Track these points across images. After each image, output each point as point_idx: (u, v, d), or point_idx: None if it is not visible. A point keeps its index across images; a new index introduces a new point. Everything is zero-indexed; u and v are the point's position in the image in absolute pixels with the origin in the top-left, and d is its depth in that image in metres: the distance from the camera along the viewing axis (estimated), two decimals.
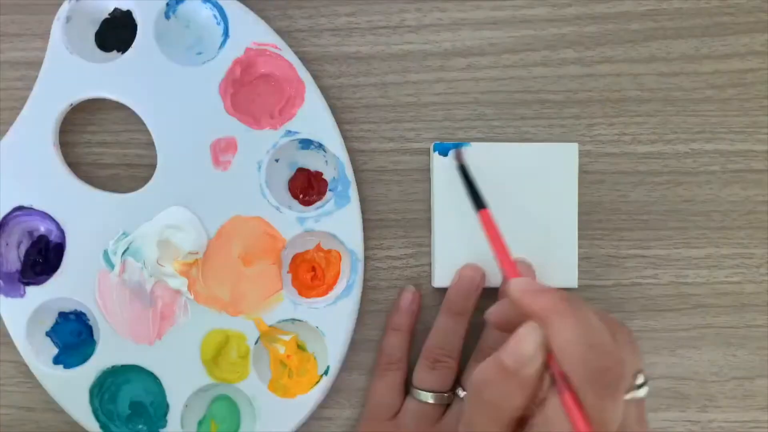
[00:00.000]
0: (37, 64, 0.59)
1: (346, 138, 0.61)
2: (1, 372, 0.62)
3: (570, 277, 0.58)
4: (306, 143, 0.60)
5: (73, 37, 0.59)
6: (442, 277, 0.59)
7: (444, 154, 0.58)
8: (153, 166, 0.59)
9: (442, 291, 0.59)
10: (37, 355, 0.59)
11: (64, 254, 0.59)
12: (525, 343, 0.44)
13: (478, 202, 0.55)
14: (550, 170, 0.58)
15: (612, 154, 0.61)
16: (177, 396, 0.59)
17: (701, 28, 0.61)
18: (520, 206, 0.58)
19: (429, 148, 0.60)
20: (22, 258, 0.60)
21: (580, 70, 0.61)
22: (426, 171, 0.61)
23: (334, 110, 0.61)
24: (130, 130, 0.62)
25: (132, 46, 0.59)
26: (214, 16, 0.60)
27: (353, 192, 0.60)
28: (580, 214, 0.59)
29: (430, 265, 0.61)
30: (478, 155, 0.58)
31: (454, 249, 0.58)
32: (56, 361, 0.60)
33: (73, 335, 0.60)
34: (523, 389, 0.44)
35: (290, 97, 0.60)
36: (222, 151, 0.59)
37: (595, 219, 0.61)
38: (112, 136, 0.62)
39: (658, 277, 0.61)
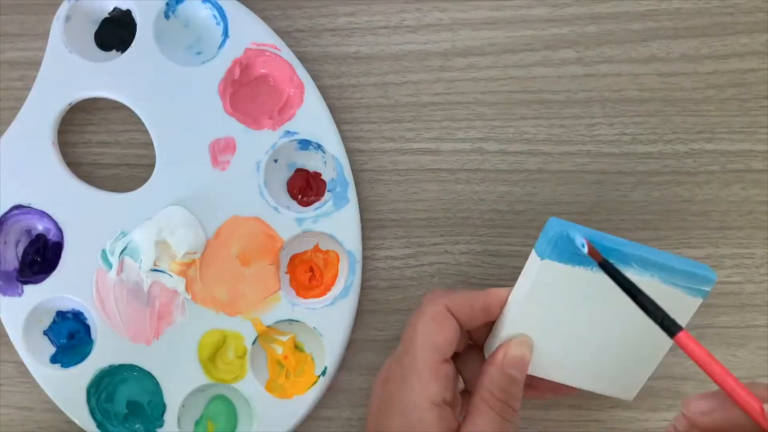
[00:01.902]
0: (37, 64, 0.59)
1: (345, 138, 0.61)
2: (0, 372, 0.62)
3: (629, 392, 0.54)
4: (305, 144, 0.60)
5: (72, 36, 0.59)
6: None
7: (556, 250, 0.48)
8: (152, 166, 0.59)
9: None
10: (35, 354, 0.59)
11: (62, 253, 0.59)
12: None
13: (666, 322, 0.44)
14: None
15: (612, 154, 0.61)
16: (174, 396, 0.58)
17: (701, 28, 0.61)
18: (613, 314, 0.51)
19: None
20: (20, 257, 0.60)
21: (580, 70, 0.61)
22: (425, 171, 0.61)
23: (334, 110, 0.61)
24: (130, 130, 0.62)
25: (131, 45, 0.59)
26: (214, 16, 0.60)
27: (352, 193, 0.60)
28: (580, 214, 0.59)
29: (430, 264, 0.61)
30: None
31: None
32: (53, 360, 0.59)
33: (70, 334, 0.60)
34: None
35: (289, 98, 0.60)
36: (221, 151, 0.59)
37: (595, 219, 0.60)
38: (112, 136, 0.62)
39: None
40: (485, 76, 0.61)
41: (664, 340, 0.47)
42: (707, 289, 0.50)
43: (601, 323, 0.51)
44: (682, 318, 0.50)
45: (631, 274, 0.47)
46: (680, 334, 0.43)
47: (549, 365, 0.52)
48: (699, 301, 0.51)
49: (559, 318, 0.50)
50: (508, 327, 0.51)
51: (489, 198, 0.61)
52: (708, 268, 0.50)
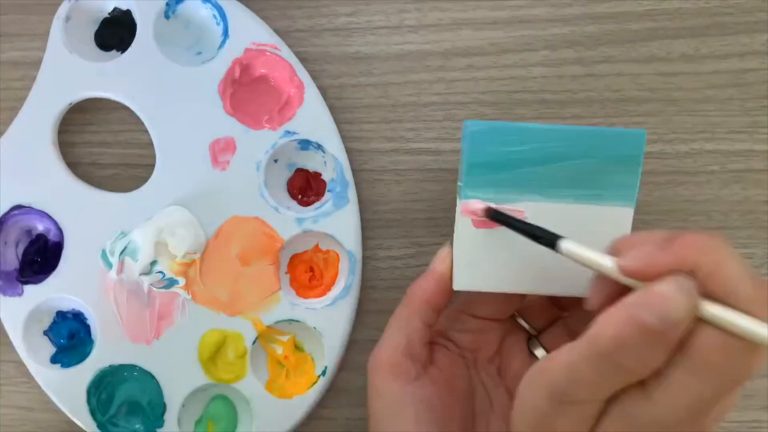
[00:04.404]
0: (37, 64, 0.59)
1: (345, 138, 0.61)
2: (1, 372, 0.62)
3: None
4: (305, 144, 0.60)
5: (72, 36, 0.59)
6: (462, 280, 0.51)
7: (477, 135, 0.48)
8: (152, 166, 0.59)
9: None
10: (35, 354, 0.59)
11: (62, 253, 0.59)
12: (676, 301, 0.36)
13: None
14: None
15: None
16: (174, 396, 0.59)
17: (701, 28, 0.61)
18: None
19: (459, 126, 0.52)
20: (20, 257, 0.60)
21: (580, 70, 0.61)
22: (425, 171, 0.61)
23: (334, 110, 0.61)
24: (130, 130, 0.62)
25: (131, 45, 0.59)
26: (214, 16, 0.60)
27: (352, 193, 0.60)
28: None
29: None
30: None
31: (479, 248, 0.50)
32: (54, 360, 0.59)
33: (70, 334, 0.60)
34: (664, 352, 0.37)
35: (289, 98, 0.60)
36: (221, 151, 0.59)
37: None
38: (112, 136, 0.62)
39: None
40: (485, 76, 0.61)
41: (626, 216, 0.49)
42: (639, 153, 0.48)
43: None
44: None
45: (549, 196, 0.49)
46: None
47: (512, 278, 0.50)
48: (629, 211, 0.49)
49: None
50: (458, 250, 0.50)
51: None
52: (638, 132, 0.48)
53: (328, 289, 0.60)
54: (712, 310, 0.36)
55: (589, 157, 0.48)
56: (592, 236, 0.47)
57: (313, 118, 0.60)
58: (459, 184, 0.50)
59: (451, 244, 0.51)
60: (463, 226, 0.50)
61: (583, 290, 0.49)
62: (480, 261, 0.50)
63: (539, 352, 0.55)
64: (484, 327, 0.54)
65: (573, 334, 0.53)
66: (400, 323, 0.52)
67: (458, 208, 0.50)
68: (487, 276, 0.51)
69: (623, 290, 0.39)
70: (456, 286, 0.51)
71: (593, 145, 0.48)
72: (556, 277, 0.50)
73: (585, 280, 0.49)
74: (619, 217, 0.50)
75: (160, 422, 0.59)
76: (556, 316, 0.55)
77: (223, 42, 0.59)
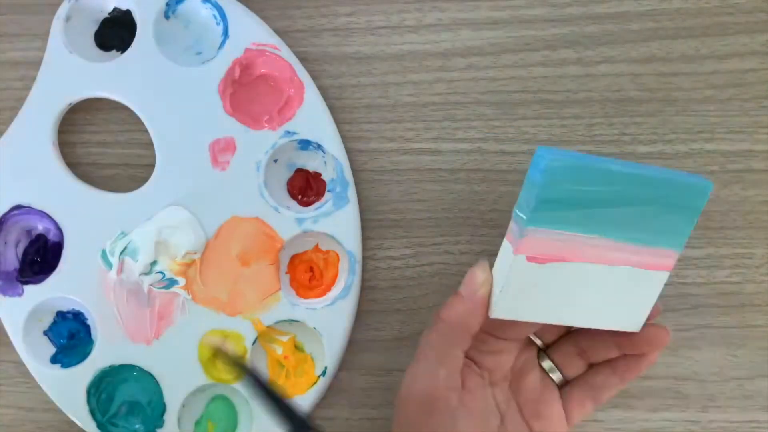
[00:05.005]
0: (37, 64, 0.59)
1: (345, 138, 0.61)
2: (1, 372, 0.62)
3: (635, 324, 0.52)
4: (305, 144, 0.60)
5: (72, 36, 0.59)
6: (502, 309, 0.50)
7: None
8: (152, 166, 0.59)
9: None
10: (35, 354, 0.59)
11: (62, 253, 0.59)
12: None
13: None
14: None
15: (612, 154, 0.61)
16: (174, 396, 0.58)
17: (701, 28, 0.61)
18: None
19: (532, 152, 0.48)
20: (20, 257, 0.60)
21: (580, 70, 0.61)
22: (425, 171, 0.61)
23: (334, 110, 0.61)
24: (130, 130, 0.62)
25: (131, 45, 0.59)
26: (214, 16, 0.60)
27: (352, 193, 0.60)
28: None
29: (430, 264, 0.61)
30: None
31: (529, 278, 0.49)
32: (54, 360, 0.59)
33: (70, 334, 0.60)
34: None
35: (289, 98, 0.60)
36: (221, 151, 0.59)
37: None
38: (112, 136, 0.62)
39: None
40: (485, 76, 0.61)
41: (658, 274, 0.51)
42: (701, 204, 0.50)
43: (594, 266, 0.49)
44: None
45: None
46: None
47: (553, 310, 0.50)
48: (675, 253, 0.51)
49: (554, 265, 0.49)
50: (502, 283, 0.49)
51: (489, 198, 0.61)
52: (705, 183, 0.50)
53: (328, 289, 0.60)
54: None
55: (654, 202, 0.48)
56: (633, 276, 0.50)
57: (313, 118, 0.60)
58: (517, 212, 0.48)
59: (489, 267, 0.50)
60: (516, 260, 0.47)
61: (621, 325, 0.52)
62: (525, 292, 0.49)
63: (546, 364, 0.55)
64: (504, 347, 0.54)
65: (582, 351, 0.55)
66: (438, 354, 0.50)
67: (508, 236, 0.48)
68: (529, 307, 0.50)
69: None
70: (494, 314, 0.49)
71: (660, 191, 0.48)
72: (598, 312, 0.51)
73: (626, 314, 0.52)
74: (663, 258, 0.51)
75: (160, 422, 0.59)
76: (564, 331, 0.56)
77: (223, 42, 0.60)
